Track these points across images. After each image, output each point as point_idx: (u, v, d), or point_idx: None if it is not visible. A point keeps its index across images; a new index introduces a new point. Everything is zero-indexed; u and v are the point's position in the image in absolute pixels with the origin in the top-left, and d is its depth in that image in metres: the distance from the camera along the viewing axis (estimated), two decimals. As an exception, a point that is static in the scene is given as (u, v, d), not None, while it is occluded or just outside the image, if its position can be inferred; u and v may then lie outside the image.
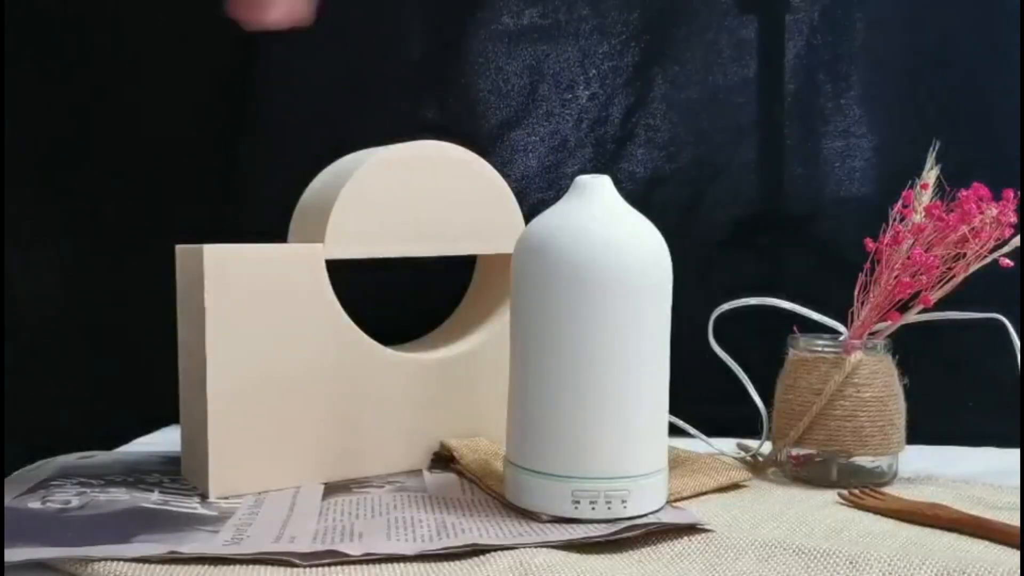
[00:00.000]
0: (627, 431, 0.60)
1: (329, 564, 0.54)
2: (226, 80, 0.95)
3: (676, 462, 0.71)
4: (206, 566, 0.53)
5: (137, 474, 0.71)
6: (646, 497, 0.61)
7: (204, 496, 0.66)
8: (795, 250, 0.94)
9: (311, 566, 0.53)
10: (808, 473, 0.72)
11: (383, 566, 0.53)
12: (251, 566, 0.53)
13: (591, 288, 0.59)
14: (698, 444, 0.78)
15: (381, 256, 0.72)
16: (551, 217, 0.62)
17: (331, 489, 0.69)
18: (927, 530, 0.60)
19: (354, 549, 0.55)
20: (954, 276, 0.69)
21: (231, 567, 0.53)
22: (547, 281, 0.60)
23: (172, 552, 0.53)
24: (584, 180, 0.63)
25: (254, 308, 0.67)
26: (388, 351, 0.73)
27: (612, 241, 0.60)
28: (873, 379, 0.71)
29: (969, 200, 0.68)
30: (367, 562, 0.54)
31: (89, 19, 0.88)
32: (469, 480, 0.71)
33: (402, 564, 0.54)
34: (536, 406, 0.61)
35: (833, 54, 0.92)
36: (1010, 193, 0.69)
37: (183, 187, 0.89)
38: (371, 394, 0.72)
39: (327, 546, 0.55)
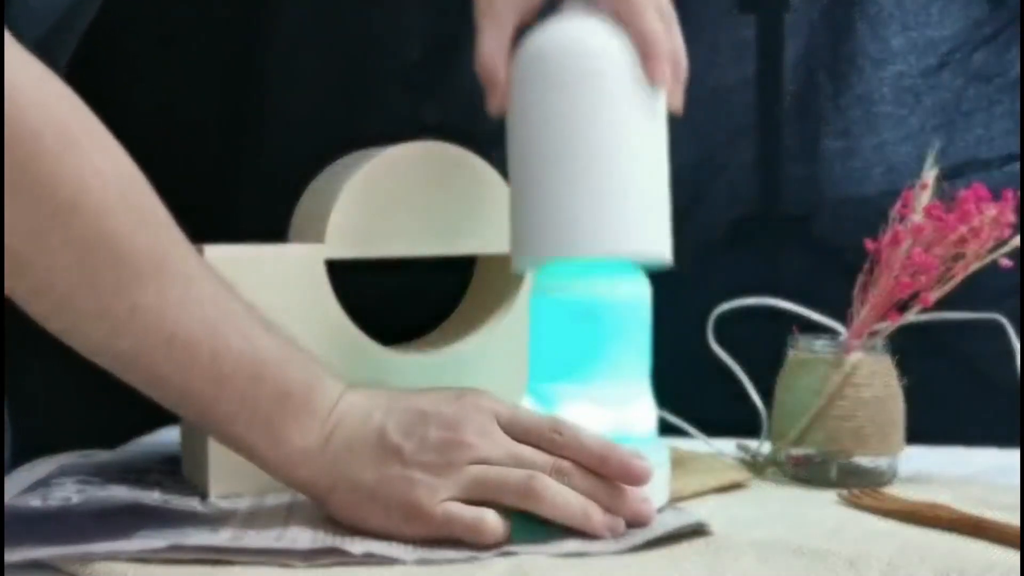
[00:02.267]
0: (625, 203, 0.61)
1: (329, 564, 0.54)
2: (226, 80, 0.95)
3: (676, 462, 0.71)
4: (206, 566, 0.53)
5: (137, 472, 0.71)
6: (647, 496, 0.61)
7: (204, 496, 0.66)
8: (795, 250, 0.94)
9: (311, 566, 0.53)
10: (808, 473, 0.72)
11: (383, 566, 0.53)
12: (251, 566, 0.53)
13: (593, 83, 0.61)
14: (698, 444, 0.78)
15: (381, 256, 0.72)
16: (554, 27, 0.63)
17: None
18: (927, 530, 0.60)
19: (355, 548, 0.55)
20: (953, 276, 0.70)
21: (231, 567, 0.53)
22: (549, 82, 0.62)
23: (173, 546, 0.53)
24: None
25: (254, 308, 0.67)
26: (388, 351, 0.73)
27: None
28: (873, 379, 0.71)
29: (968, 200, 0.68)
30: (368, 563, 0.54)
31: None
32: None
33: (402, 564, 0.54)
34: (533, 189, 0.62)
35: (833, 54, 0.92)
36: (1009, 193, 0.69)
37: (183, 187, 0.89)
38: (371, 394, 0.72)
39: (327, 545, 0.55)
